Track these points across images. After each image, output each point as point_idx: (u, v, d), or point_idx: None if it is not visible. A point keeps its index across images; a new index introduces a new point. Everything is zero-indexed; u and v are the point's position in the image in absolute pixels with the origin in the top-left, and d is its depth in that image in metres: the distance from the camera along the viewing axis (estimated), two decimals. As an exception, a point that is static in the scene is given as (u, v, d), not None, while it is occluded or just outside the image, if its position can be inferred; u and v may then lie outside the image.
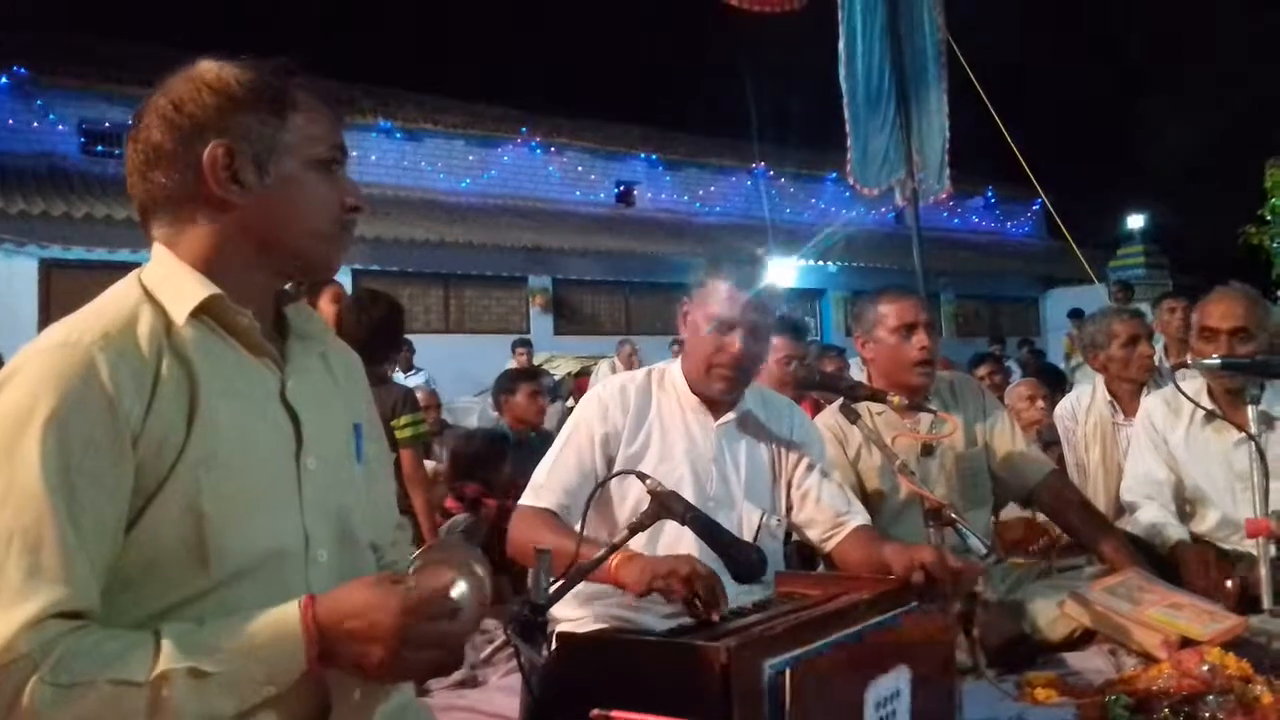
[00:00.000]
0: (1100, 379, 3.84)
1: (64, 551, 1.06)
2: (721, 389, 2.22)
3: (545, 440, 4.99)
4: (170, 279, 1.23)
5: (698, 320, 2.23)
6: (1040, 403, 4.79)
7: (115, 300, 1.23)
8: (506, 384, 5.23)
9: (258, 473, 1.21)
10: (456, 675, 2.41)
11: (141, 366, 1.15)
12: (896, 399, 2.36)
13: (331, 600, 1.11)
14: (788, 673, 1.09)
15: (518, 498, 4.15)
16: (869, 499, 2.76)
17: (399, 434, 3.79)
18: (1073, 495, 2.93)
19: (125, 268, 1.28)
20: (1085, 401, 3.85)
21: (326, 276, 1.37)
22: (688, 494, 2.08)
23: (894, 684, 1.27)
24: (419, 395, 6.21)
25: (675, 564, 1.72)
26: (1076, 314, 13.34)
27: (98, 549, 1.10)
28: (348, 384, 1.44)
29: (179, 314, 1.20)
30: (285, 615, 1.10)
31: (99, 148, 14.36)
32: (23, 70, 13.92)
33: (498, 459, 4.30)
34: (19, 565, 1.05)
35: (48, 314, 11.47)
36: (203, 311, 1.22)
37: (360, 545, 1.33)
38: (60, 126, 14.31)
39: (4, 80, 13.90)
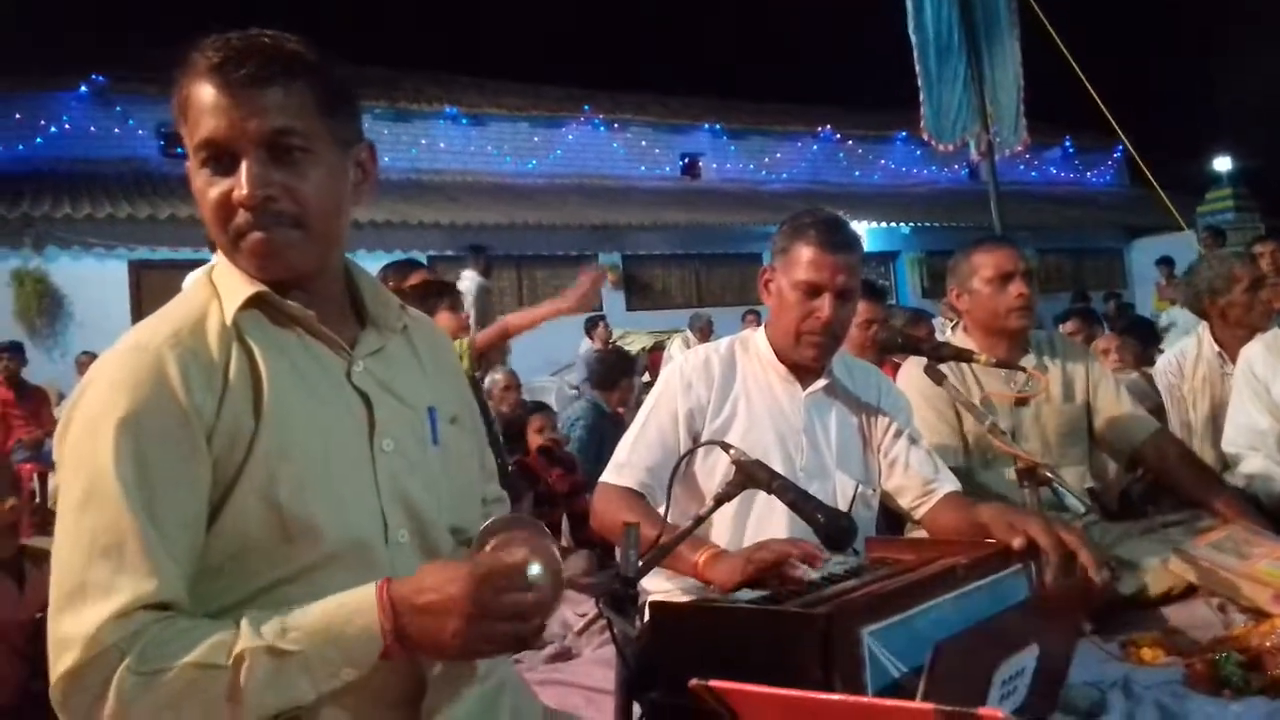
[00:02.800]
0: (1205, 328, 3.61)
1: (146, 547, 1.09)
2: (812, 355, 2.18)
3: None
4: (225, 277, 1.26)
5: (783, 286, 2.17)
6: (1114, 356, 4.59)
7: (187, 300, 1.26)
8: (625, 368, 5.62)
9: (331, 458, 1.22)
10: (551, 649, 2.43)
11: (211, 363, 1.18)
12: (984, 358, 2.30)
13: (406, 580, 1.12)
14: (930, 657, 1.06)
15: (542, 458, 4.44)
16: (966, 439, 2.74)
17: None
18: (1179, 452, 2.84)
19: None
20: (1192, 354, 3.61)
21: (267, 278, 1.22)
22: (776, 465, 2.05)
23: (1023, 662, 1.25)
24: (499, 377, 6.30)
25: (760, 554, 1.72)
26: (1166, 261, 12.87)
27: (181, 543, 1.13)
28: (433, 366, 1.43)
29: (229, 311, 1.22)
30: (362, 595, 1.11)
31: (179, 149, 14.70)
32: (101, 78, 14.37)
33: (518, 434, 4.96)
34: (104, 562, 1.08)
35: (139, 313, 11.85)
36: (258, 304, 1.23)
37: (439, 528, 1.33)
38: (140, 131, 14.75)
39: (84, 89, 14.36)
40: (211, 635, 1.08)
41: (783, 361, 2.23)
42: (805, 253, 2.14)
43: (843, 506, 2.11)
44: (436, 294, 3.77)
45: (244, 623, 1.09)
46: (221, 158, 1.19)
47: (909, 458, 2.24)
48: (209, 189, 1.20)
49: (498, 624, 1.10)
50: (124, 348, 1.18)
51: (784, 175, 19.90)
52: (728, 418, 2.17)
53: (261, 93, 1.17)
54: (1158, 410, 3.64)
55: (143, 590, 1.08)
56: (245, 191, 1.17)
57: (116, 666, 1.05)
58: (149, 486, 1.11)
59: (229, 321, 1.22)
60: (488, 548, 1.23)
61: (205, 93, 1.18)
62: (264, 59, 1.18)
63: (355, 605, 1.11)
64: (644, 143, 19.12)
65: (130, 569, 1.09)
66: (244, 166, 1.17)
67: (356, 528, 1.23)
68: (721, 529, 2.12)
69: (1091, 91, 6.75)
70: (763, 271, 2.27)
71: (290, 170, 1.19)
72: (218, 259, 1.29)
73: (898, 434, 2.26)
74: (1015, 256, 2.81)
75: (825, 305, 2.12)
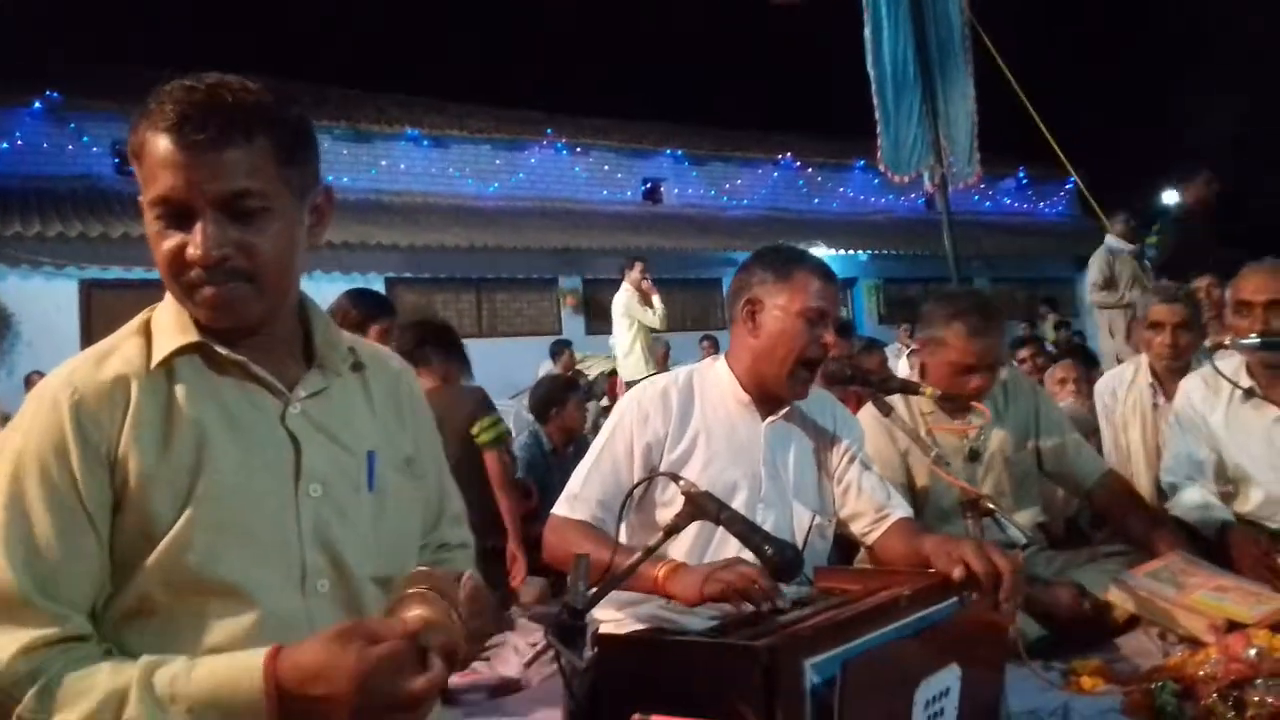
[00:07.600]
0: (1145, 358, 3.72)
1: (24, 589, 1.11)
2: (807, 386, 2.16)
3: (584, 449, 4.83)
4: (164, 320, 1.26)
5: (780, 314, 2.13)
6: (1071, 386, 4.67)
7: (107, 341, 1.27)
8: (556, 394, 5.08)
9: (250, 500, 1.22)
10: (508, 676, 2.43)
11: (108, 406, 1.18)
12: (929, 391, 2.34)
13: (293, 659, 1.09)
14: (838, 674, 1.08)
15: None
16: (917, 496, 2.73)
17: (480, 438, 3.76)
18: (1128, 495, 2.89)
19: (163, 285, 1.28)
20: (1127, 379, 3.74)
21: (217, 327, 1.23)
22: (738, 497, 2.07)
23: (944, 682, 1.27)
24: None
25: (725, 572, 1.72)
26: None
27: (72, 573, 1.14)
28: (388, 408, 1.41)
29: (156, 358, 1.22)
30: (250, 670, 1.09)
31: (132, 168, 14.53)
32: (56, 95, 14.16)
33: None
34: None
35: (89, 334, 11.65)
36: (192, 350, 1.24)
37: (362, 578, 1.29)
38: (94, 149, 14.53)
39: (38, 105, 14.14)
40: (108, 688, 1.09)
41: (749, 391, 2.20)
42: (813, 281, 2.13)
43: (799, 537, 2.12)
44: (372, 314, 3.51)
45: (134, 688, 1.09)
46: (177, 213, 1.18)
47: (862, 483, 2.24)
48: (162, 240, 1.20)
49: (384, 713, 1.07)
50: (32, 393, 1.22)
51: (744, 201, 20.06)
52: (686, 450, 2.14)
53: (220, 154, 1.16)
54: (1094, 435, 3.74)
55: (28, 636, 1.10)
56: (200, 252, 1.17)
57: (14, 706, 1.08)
58: (26, 523, 1.14)
59: (151, 368, 1.22)
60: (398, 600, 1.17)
61: (162, 148, 1.17)
62: (225, 118, 1.16)
63: (243, 680, 1.09)
64: (606, 167, 19.19)
65: (9, 618, 1.11)
66: (199, 226, 1.17)
67: (270, 571, 1.22)
68: (679, 555, 2.10)
69: (1040, 124, 6.90)
70: (746, 301, 2.19)
71: (246, 228, 1.19)
72: (165, 300, 1.29)
73: (851, 459, 2.27)
74: (986, 351, 2.66)
75: (830, 333, 2.12)
